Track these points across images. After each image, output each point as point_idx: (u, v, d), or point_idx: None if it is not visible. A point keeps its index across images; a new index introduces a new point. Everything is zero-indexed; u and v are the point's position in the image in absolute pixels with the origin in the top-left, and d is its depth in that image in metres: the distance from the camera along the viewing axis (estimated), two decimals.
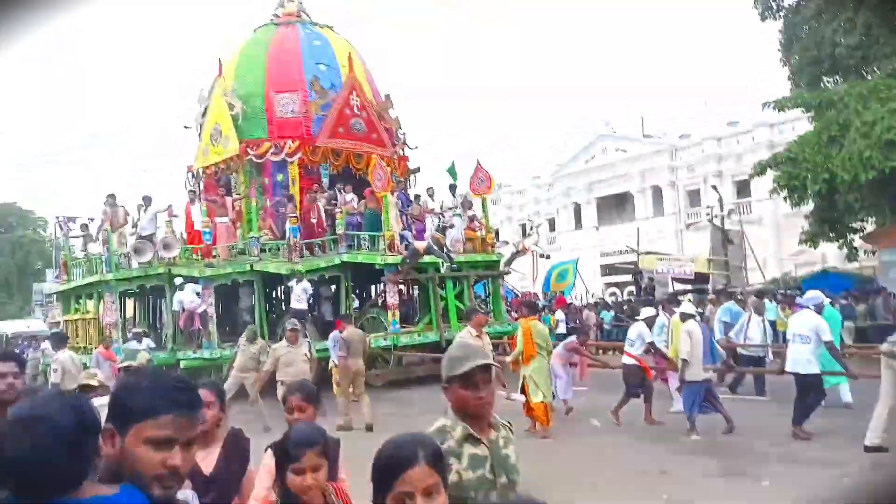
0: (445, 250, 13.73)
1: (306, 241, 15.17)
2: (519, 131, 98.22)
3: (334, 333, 12.20)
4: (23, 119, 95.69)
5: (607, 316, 20.68)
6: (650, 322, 9.84)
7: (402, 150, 18.47)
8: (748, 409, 9.57)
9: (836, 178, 14.87)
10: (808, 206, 17.97)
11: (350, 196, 16.08)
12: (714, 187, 31.16)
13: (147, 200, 15.94)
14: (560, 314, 18.46)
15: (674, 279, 22.60)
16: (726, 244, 23.48)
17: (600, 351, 14.98)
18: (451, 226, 14.41)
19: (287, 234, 14.87)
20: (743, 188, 35.49)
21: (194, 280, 14.74)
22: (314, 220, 15.57)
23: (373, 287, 17.69)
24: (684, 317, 9.00)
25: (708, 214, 26.52)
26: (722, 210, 25.68)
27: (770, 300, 14.23)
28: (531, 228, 13.90)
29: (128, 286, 15.09)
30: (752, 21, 22.50)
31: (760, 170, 17.83)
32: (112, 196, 15.54)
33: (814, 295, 8.38)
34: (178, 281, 14.16)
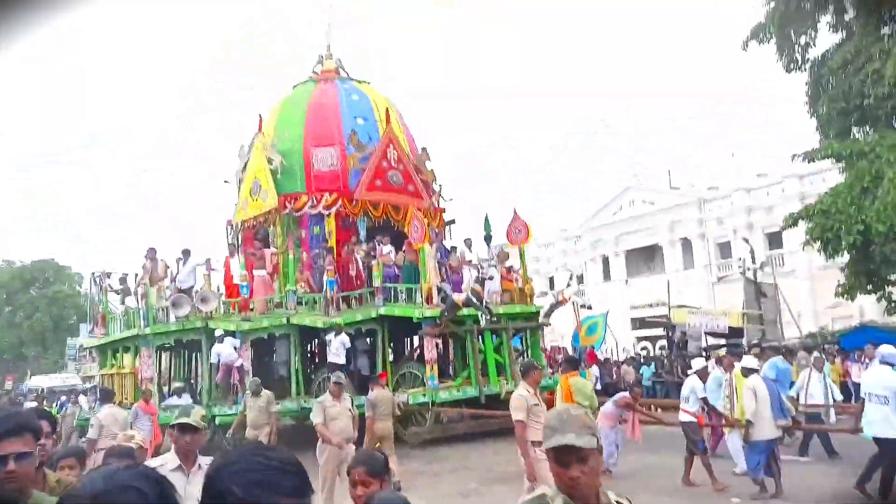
0: (484, 302, 13.42)
1: (343, 293, 14.99)
2: (519, 131, 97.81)
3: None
4: (22, 119, 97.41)
5: (647, 371, 20.04)
6: (702, 375, 9.38)
7: (438, 202, 18.41)
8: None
9: (871, 229, 14.73)
10: (843, 258, 17.62)
11: (388, 248, 15.96)
12: (745, 239, 30.61)
13: (186, 254, 15.98)
14: (595, 369, 17.89)
15: (707, 333, 21.96)
16: (760, 297, 22.92)
17: (653, 408, 14.35)
18: (490, 277, 14.14)
19: (324, 287, 14.71)
20: (774, 240, 34.90)
21: (232, 334, 14.58)
22: (353, 273, 15.42)
23: (408, 340, 17.37)
24: (746, 372, 8.54)
25: (739, 267, 26.00)
26: (754, 262, 25.14)
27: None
28: (570, 279, 13.45)
29: (165, 340, 14.97)
30: (777, 73, 22.25)
31: (792, 222, 17.65)
32: (153, 250, 15.59)
33: (892, 351, 7.86)
34: (218, 332, 13.99)
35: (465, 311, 13.88)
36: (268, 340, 15.48)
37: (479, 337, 14.51)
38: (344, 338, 13.91)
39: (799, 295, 30.92)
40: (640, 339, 37.42)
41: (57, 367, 38.85)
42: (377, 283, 14.88)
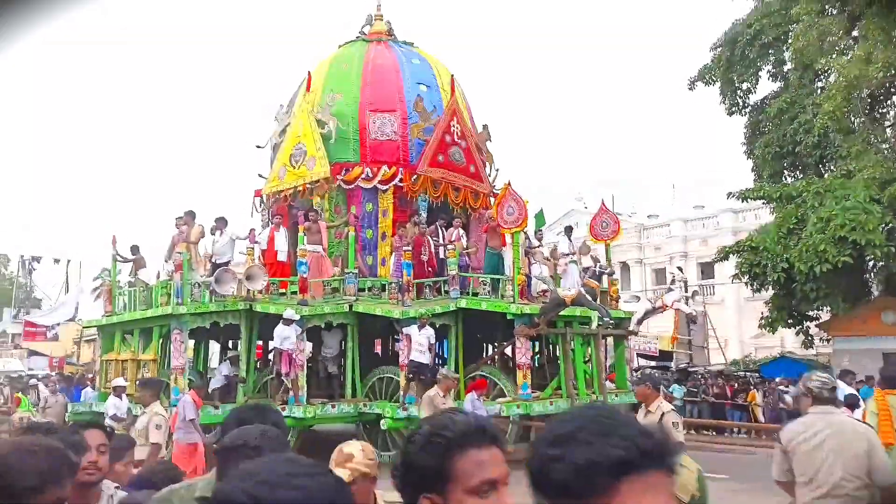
0: (600, 302, 11.01)
1: (418, 280, 12.29)
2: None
3: (472, 394, 9.60)
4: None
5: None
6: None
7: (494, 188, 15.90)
8: None
9: (794, 267, 15.21)
10: (768, 293, 18.12)
11: (457, 232, 13.34)
12: (679, 268, 30.44)
13: (221, 222, 12.77)
14: None
15: (638, 355, 21.32)
16: (690, 324, 22.67)
17: None
18: (611, 273, 11.74)
19: (401, 272, 11.96)
20: (707, 270, 35.18)
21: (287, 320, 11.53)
22: (424, 258, 12.71)
23: (481, 339, 14.51)
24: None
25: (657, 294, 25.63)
26: (686, 290, 24.60)
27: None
28: (673, 281, 11.41)
29: (201, 322, 11.72)
30: (719, 115, 23.46)
31: (724, 255, 18.38)
32: (191, 213, 12.34)
33: None
34: (289, 313, 10.91)
35: (572, 310, 11.42)
36: (312, 330, 12.53)
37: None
38: (430, 332, 11.18)
39: (726, 324, 31.46)
40: None
41: None
42: (453, 270, 12.28)
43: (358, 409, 11.86)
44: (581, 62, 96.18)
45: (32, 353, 27.27)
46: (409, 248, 12.01)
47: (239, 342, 12.44)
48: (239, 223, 13.49)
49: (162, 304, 12.01)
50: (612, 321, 11.87)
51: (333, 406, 11.70)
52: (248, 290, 11.86)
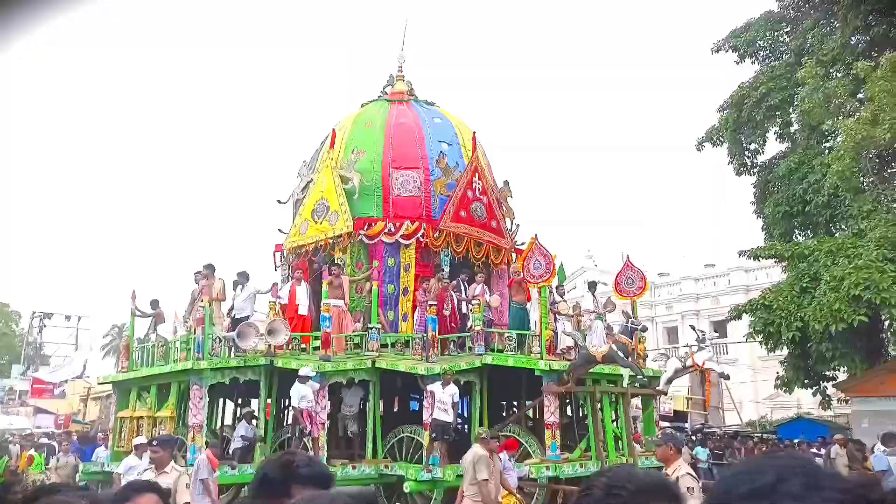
0: (632, 359, 10.68)
1: (442, 336, 12.01)
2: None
3: (504, 454, 9.25)
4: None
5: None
6: None
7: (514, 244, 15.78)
8: None
9: (809, 326, 14.97)
10: (783, 352, 17.86)
11: (480, 287, 13.14)
12: (692, 326, 29.98)
13: (243, 277, 12.65)
14: None
15: None
16: (703, 385, 22.18)
17: None
18: (644, 329, 11.45)
19: (425, 327, 11.70)
20: (720, 328, 34.73)
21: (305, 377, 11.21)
22: (447, 313, 12.47)
23: (503, 397, 14.05)
24: None
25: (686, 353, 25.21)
26: (701, 349, 24.24)
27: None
28: (702, 339, 11.09)
29: (220, 378, 11.38)
30: (728, 175, 24.03)
31: (737, 314, 18.18)
32: (211, 266, 12.19)
33: None
34: (305, 371, 10.62)
35: (601, 367, 11.08)
36: (331, 388, 12.15)
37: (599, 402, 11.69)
38: (454, 389, 10.84)
39: (741, 384, 30.79)
40: None
41: None
42: (478, 326, 12.00)
43: (379, 470, 11.37)
44: (586, 120, 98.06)
45: (39, 410, 26.72)
46: (434, 303, 11.79)
47: (257, 400, 12.06)
48: (257, 278, 13.33)
49: (181, 359, 11.72)
50: (645, 379, 11.50)
51: (354, 467, 11.23)
52: (269, 345, 11.57)
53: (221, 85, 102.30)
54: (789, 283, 16.63)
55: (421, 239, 13.79)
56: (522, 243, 16.39)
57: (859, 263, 14.48)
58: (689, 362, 11.71)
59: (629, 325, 10.48)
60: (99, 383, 15.99)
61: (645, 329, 11.59)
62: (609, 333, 11.06)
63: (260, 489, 1.84)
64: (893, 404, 16.20)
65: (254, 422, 11.61)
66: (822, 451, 14.15)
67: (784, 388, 18.93)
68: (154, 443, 7.14)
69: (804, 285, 15.95)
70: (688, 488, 5.12)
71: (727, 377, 11.49)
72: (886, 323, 16.87)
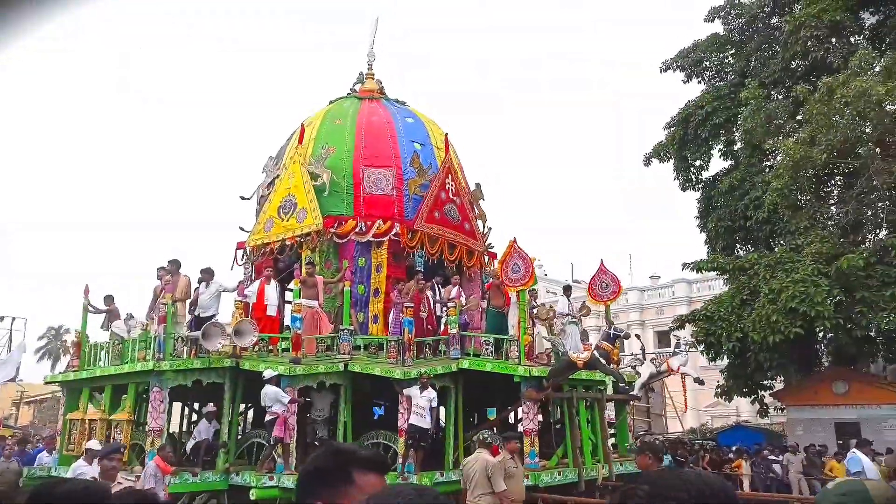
0: (613, 366, 10.53)
1: (418, 339, 11.58)
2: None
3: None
4: None
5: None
6: None
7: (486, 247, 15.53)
8: None
9: (748, 337, 15.35)
10: (724, 362, 18.31)
11: (456, 289, 12.80)
12: (637, 335, 30.98)
13: (207, 274, 11.83)
14: None
15: None
16: (647, 392, 22.92)
17: None
18: (627, 336, 11.32)
19: (400, 329, 11.24)
20: (663, 338, 35.78)
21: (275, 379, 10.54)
22: (423, 315, 12.06)
23: (478, 403, 13.63)
24: None
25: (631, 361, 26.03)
26: (644, 358, 25.08)
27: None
28: (677, 346, 11.13)
29: (182, 380, 10.53)
30: (673, 189, 24.48)
31: (680, 324, 18.65)
32: (176, 263, 11.32)
33: None
34: (269, 373, 9.96)
35: (578, 373, 10.90)
36: (299, 391, 11.48)
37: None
38: (432, 394, 10.42)
39: (681, 392, 31.58)
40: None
41: None
42: (453, 329, 11.64)
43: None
44: (532, 130, 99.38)
45: None
46: (411, 304, 11.36)
47: (220, 403, 11.25)
48: (222, 275, 12.52)
49: (139, 358, 10.81)
50: (627, 386, 11.41)
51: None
52: (235, 346, 10.84)
53: (182, 79, 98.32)
54: (730, 295, 17.02)
55: (394, 238, 13.34)
56: (493, 246, 16.24)
57: (796, 277, 14.90)
58: (663, 367, 11.73)
59: (612, 331, 10.35)
60: (45, 383, 14.64)
61: (628, 336, 11.49)
62: (584, 340, 10.96)
63: (316, 484, 1.52)
64: (825, 413, 16.91)
65: (213, 422, 10.83)
66: (781, 458, 14.51)
67: (724, 397, 19.36)
68: (110, 457, 6.39)
69: (744, 298, 16.32)
70: None
71: (702, 382, 11.55)
72: (820, 335, 17.52)
